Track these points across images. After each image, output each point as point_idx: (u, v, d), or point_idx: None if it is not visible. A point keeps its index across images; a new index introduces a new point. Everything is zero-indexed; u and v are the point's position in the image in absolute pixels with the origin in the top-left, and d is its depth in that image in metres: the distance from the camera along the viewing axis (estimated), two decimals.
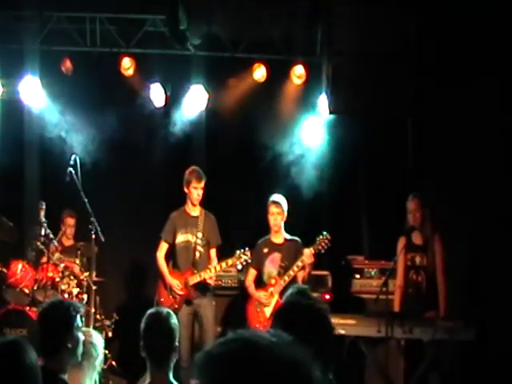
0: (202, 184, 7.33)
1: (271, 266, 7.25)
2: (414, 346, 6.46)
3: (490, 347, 6.50)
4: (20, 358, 2.52)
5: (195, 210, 7.46)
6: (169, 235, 7.43)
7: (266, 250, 7.31)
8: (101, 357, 4.10)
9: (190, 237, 7.38)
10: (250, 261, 7.16)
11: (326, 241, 6.96)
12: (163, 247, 7.44)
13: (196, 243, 7.35)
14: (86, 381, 3.96)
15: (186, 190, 7.38)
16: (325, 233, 7.01)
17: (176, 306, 7.12)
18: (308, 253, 6.97)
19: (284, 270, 7.13)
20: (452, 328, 6.06)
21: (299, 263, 6.99)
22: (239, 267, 7.31)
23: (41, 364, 3.44)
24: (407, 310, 6.69)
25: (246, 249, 7.10)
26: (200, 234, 7.36)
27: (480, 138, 6.94)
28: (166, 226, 7.46)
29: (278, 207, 7.20)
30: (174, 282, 7.28)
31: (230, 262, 7.14)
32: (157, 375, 3.68)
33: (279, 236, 7.31)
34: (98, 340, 4.07)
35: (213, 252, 7.41)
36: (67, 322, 3.51)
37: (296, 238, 7.30)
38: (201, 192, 7.35)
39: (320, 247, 6.97)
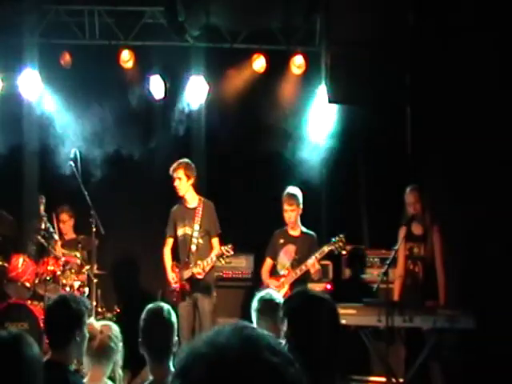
0: (174, 175, 7.32)
1: (285, 258, 7.26)
2: (415, 334, 6.49)
3: (489, 335, 6.51)
4: (21, 351, 2.55)
5: (193, 202, 7.46)
6: (170, 230, 7.51)
7: (281, 241, 7.31)
8: (121, 350, 4.09)
9: (187, 230, 7.40)
10: (228, 258, 7.15)
11: (341, 243, 6.95)
12: (167, 242, 7.52)
13: (192, 236, 7.36)
14: (106, 375, 3.98)
15: None
16: (341, 235, 6.99)
17: (174, 299, 7.23)
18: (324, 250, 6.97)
19: (297, 262, 7.12)
20: (452, 316, 6.08)
21: (313, 258, 6.97)
22: (222, 262, 7.28)
23: (49, 356, 3.51)
24: (405, 299, 6.70)
25: (230, 246, 7.06)
26: (197, 226, 7.35)
27: (480, 126, 6.93)
28: (168, 222, 7.53)
29: (292, 204, 7.16)
30: (170, 276, 7.38)
31: (213, 257, 7.15)
32: (158, 371, 3.60)
33: (296, 229, 7.30)
34: (117, 333, 4.08)
35: (215, 242, 7.38)
36: (79, 316, 3.60)
37: (312, 233, 7.30)
38: (177, 182, 7.33)
39: (334, 248, 6.96)
